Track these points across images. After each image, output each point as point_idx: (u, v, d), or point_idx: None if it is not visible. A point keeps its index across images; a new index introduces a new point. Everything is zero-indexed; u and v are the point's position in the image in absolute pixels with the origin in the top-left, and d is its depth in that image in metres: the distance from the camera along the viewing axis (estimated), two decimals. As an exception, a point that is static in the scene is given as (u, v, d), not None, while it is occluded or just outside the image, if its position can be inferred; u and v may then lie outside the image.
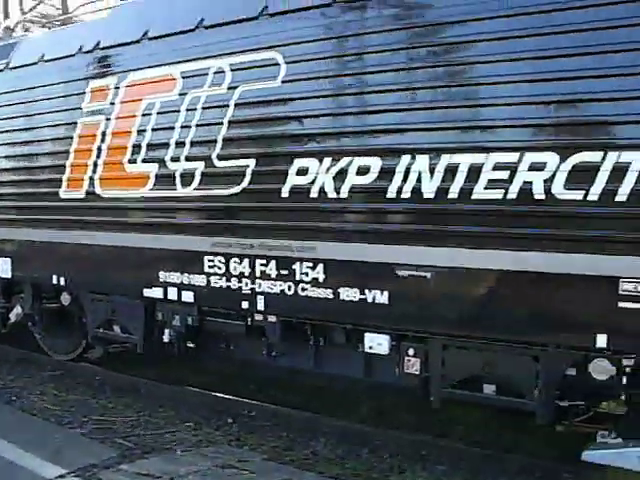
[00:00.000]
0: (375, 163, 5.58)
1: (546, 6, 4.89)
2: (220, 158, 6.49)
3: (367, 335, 5.90)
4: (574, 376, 5.12)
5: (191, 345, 7.35)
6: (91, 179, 7.59)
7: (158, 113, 6.97)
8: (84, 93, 7.68)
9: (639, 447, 4.88)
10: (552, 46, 4.88)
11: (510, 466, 5.65)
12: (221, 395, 7.41)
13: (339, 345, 6.30)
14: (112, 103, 7.40)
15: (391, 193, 5.50)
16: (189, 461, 5.69)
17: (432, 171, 5.30)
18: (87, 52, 7.72)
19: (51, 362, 8.80)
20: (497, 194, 5.04)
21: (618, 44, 4.63)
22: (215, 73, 6.54)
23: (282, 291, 6.15)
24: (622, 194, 4.58)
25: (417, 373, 5.74)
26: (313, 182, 5.90)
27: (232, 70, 6.42)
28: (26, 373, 8.64)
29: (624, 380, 5.01)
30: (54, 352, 8.96)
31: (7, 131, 8.64)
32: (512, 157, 4.98)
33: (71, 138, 7.80)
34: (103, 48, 7.58)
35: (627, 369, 4.96)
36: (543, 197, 4.86)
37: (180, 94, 6.79)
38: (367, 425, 6.48)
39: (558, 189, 4.82)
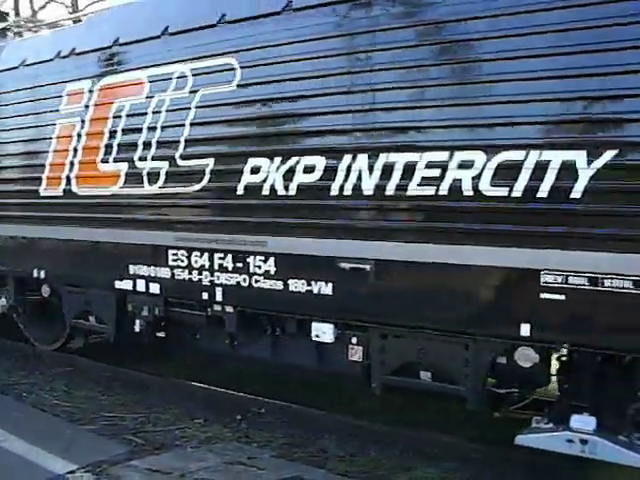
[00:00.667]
0: (320, 162, 5.93)
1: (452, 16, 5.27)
2: (183, 158, 6.85)
3: (314, 324, 6.25)
4: (504, 364, 5.42)
5: (161, 335, 7.70)
6: (67, 178, 7.96)
7: (128, 115, 7.34)
8: (61, 96, 8.06)
9: (567, 431, 5.14)
10: (479, 51, 5.21)
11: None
12: (230, 392, 7.43)
13: (292, 335, 6.60)
14: (86, 106, 7.78)
15: (334, 190, 5.84)
16: (199, 457, 5.74)
17: (371, 169, 5.63)
18: (64, 57, 8.10)
19: (61, 359, 8.85)
20: (430, 190, 5.36)
21: (547, 48, 4.90)
22: (178, 77, 6.91)
23: (238, 283, 6.50)
24: (543, 191, 4.88)
25: (360, 360, 6.08)
26: (265, 180, 6.25)
27: (193, 75, 6.80)
28: (36, 370, 8.67)
29: (553, 367, 5.43)
30: (38, 342, 9.35)
31: None
32: (443, 156, 5.30)
33: (50, 139, 8.16)
34: (79, 53, 7.96)
35: (559, 358, 5.36)
36: (472, 193, 5.19)
37: (147, 97, 7.15)
38: (375, 422, 6.45)
39: (485, 186, 5.14)
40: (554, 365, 5.52)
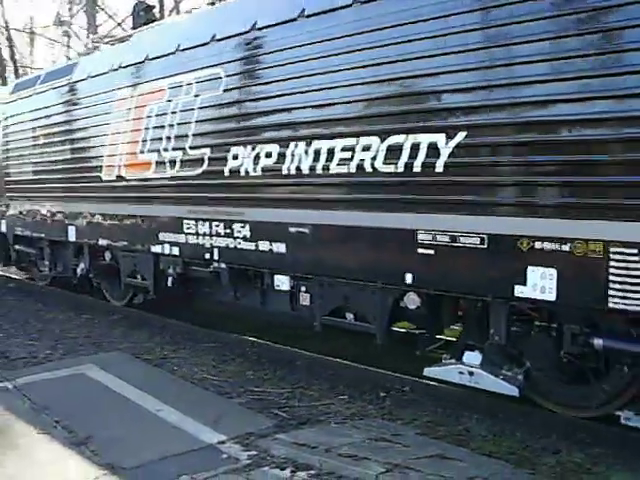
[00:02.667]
0: (275, 149, 7.62)
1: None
2: (191, 148, 8.77)
3: (275, 276, 8.00)
4: (402, 307, 6.83)
5: (189, 290, 9.77)
6: (119, 166, 10.17)
7: (155, 115, 9.39)
8: (112, 101, 10.34)
9: (460, 365, 6.45)
10: (380, 56, 6.56)
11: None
12: (374, 370, 7.39)
13: (269, 286, 8.23)
14: (128, 109, 9.94)
15: (284, 171, 7.50)
16: (343, 433, 5.74)
17: (307, 154, 7.24)
18: (114, 70, 10.34)
19: (210, 335, 9.27)
20: (344, 169, 6.89)
21: (414, 52, 6.25)
22: (187, 85, 8.84)
23: (227, 245, 8.32)
24: (417, 166, 6.25)
25: (308, 304, 7.73)
26: (241, 164, 8.04)
27: (195, 83, 8.71)
28: (187, 344, 9.01)
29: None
30: (112, 299, 11.68)
31: (71, 130, 11.54)
32: (352, 141, 6.80)
33: (106, 135, 10.44)
34: (125, 66, 10.14)
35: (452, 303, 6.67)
36: (371, 170, 6.64)
37: (167, 101, 9.15)
38: (519, 404, 6.25)
39: (379, 164, 6.58)
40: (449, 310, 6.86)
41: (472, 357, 6.45)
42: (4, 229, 14.28)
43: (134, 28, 11.08)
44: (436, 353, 7.13)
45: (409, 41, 6.31)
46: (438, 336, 7.23)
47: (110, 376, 7.40)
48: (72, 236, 11.64)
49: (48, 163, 12.09)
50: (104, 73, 10.61)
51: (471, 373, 6.35)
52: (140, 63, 9.82)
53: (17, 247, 14.02)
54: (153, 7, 12.78)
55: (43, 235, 12.63)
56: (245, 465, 5.12)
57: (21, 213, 13.40)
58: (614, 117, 5.06)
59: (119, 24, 21.64)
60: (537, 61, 5.44)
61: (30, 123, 12.78)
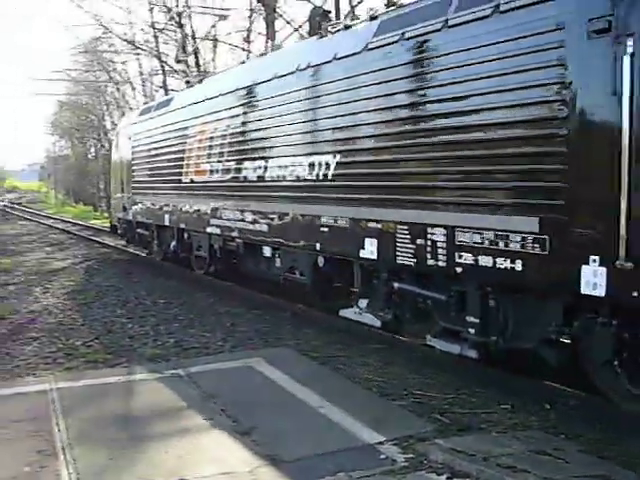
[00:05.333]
0: (258, 164, 11.18)
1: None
2: (222, 162, 12.66)
3: (263, 247, 11.58)
4: (320, 265, 10.02)
5: (234, 261, 13.40)
6: (190, 172, 14.20)
7: (210, 137, 13.28)
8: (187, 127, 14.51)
9: (356, 307, 9.36)
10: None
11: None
12: (541, 381, 7.09)
13: (260, 254, 11.81)
14: (200, 131, 13.81)
15: (267, 178, 10.97)
16: (503, 443, 5.58)
17: (265, 169, 11.00)
18: (193, 104, 14.31)
19: (376, 336, 9.19)
20: (290, 178, 10.25)
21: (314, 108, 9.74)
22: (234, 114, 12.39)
23: (241, 227, 11.94)
24: (321, 175, 9.43)
25: (280, 266, 11.24)
26: (245, 174, 11.68)
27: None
28: (353, 344, 9.03)
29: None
30: (195, 269, 15.28)
31: (167, 147, 15.83)
32: (291, 160, 10.20)
33: (184, 152, 14.60)
34: (193, 104, 14.37)
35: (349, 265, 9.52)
36: (298, 178, 10.02)
37: (222, 128, 12.83)
38: None
39: (304, 174, 9.85)
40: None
41: (362, 303, 9.33)
42: (131, 217, 18.91)
43: (310, 34, 11.36)
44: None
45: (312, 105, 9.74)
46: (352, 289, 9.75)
47: (277, 371, 7.62)
48: (167, 222, 15.81)
49: (155, 169, 16.48)
50: (186, 106, 14.76)
51: (360, 313, 9.33)
52: (212, 99, 13.31)
53: (138, 230, 18.68)
54: (329, 12, 13.06)
55: (152, 221, 17.15)
56: (402, 467, 5.12)
57: (141, 205, 17.86)
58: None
59: (296, 30, 22.25)
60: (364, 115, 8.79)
61: (147, 139, 17.17)
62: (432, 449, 5.43)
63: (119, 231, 20.90)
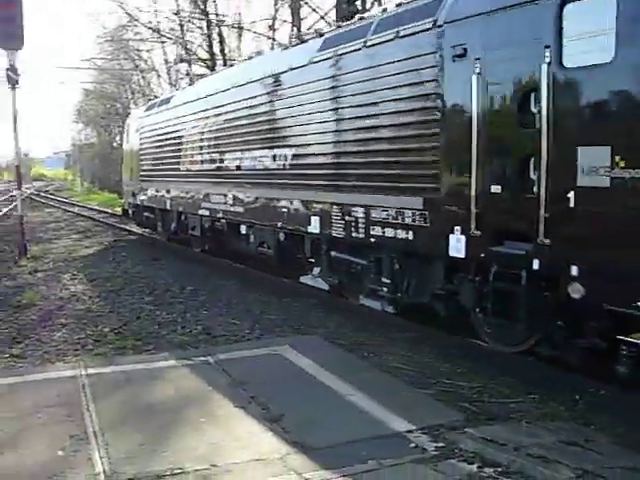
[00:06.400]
0: (234, 156, 13.42)
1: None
2: (209, 153, 14.86)
3: (241, 225, 13.59)
4: (282, 240, 12.18)
5: (221, 239, 15.40)
6: (183, 162, 16.63)
7: (202, 133, 15.51)
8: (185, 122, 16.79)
9: (312, 274, 11.58)
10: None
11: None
12: (569, 372, 7.06)
13: (238, 232, 13.91)
14: (192, 127, 16.19)
15: (243, 168, 13.01)
16: (533, 433, 5.57)
17: (245, 160, 13.02)
18: (192, 101, 16.35)
19: (404, 324, 9.20)
20: (259, 167, 12.32)
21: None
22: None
23: (224, 208, 14.00)
24: (281, 165, 11.51)
25: (253, 242, 13.34)
26: (226, 164, 13.82)
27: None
28: (380, 332, 8.96)
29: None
30: (195, 248, 17.52)
31: (168, 139, 18.02)
32: (261, 152, 12.21)
33: (181, 145, 16.86)
34: (191, 101, 16.36)
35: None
36: (267, 167, 12.00)
37: (206, 126, 15.26)
38: None
39: (270, 164, 11.90)
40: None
41: (316, 270, 11.34)
42: (139, 202, 21.20)
43: (337, 20, 11.41)
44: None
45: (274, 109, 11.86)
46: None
47: (305, 358, 7.63)
48: (168, 205, 18.05)
49: (158, 159, 18.65)
50: (182, 104, 16.94)
51: (316, 279, 11.42)
52: (199, 99, 15.56)
53: (145, 214, 21.09)
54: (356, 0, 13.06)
55: (156, 205, 19.40)
56: (432, 456, 5.11)
57: (147, 192, 20.12)
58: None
59: (322, 17, 22.12)
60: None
61: (151, 133, 19.47)
62: (462, 438, 5.42)
63: (130, 215, 23.52)
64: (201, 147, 15.09)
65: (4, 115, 19.23)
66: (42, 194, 61.02)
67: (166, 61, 36.36)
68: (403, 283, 9.05)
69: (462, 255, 7.62)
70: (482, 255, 7.39)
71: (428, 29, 8.03)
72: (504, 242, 7.16)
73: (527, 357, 7.53)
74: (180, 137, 16.54)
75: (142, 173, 20.31)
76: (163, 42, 33.93)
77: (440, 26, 7.85)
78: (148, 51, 38.65)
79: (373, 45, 9.01)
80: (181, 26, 30.65)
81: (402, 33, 8.41)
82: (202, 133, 14.99)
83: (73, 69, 44.14)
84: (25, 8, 15.39)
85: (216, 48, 28.43)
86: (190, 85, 18.62)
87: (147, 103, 24.25)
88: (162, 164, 18.08)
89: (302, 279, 11.94)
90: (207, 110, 14.72)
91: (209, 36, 28.33)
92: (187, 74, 31.91)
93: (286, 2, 25.23)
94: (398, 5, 9.10)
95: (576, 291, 6.42)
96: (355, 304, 10.39)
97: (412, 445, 5.30)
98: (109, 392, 6.59)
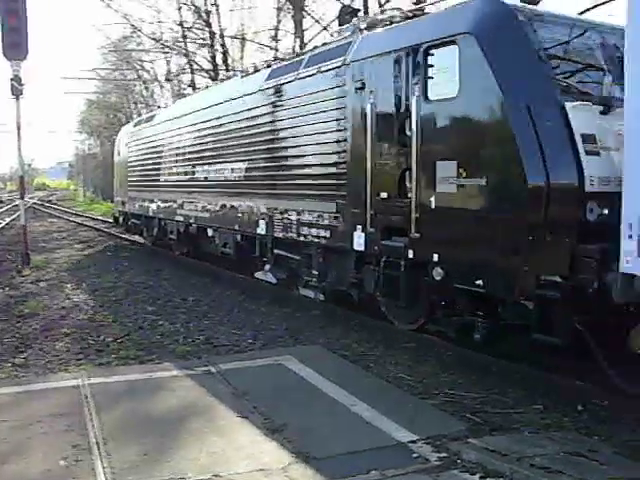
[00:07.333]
0: (202, 168, 15.39)
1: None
2: (183, 167, 16.84)
3: (208, 229, 15.40)
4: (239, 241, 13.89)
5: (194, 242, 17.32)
6: (162, 175, 18.56)
7: (177, 149, 17.76)
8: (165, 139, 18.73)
9: (263, 270, 12.96)
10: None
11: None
12: (572, 381, 7.07)
13: (206, 235, 15.73)
14: (169, 143, 18.33)
15: (208, 179, 14.99)
16: (536, 443, 5.55)
17: (209, 171, 14.99)
18: (169, 120, 18.35)
19: (406, 335, 9.16)
20: (220, 177, 14.21)
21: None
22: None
23: (195, 214, 15.87)
24: (236, 176, 13.38)
25: (218, 243, 14.92)
26: (195, 176, 15.81)
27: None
28: (383, 342, 9.03)
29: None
30: (177, 251, 18.82)
31: (150, 154, 20.05)
32: (222, 166, 14.14)
33: (161, 159, 18.79)
34: (169, 119, 18.40)
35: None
36: (227, 178, 13.79)
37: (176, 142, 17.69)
38: None
39: (229, 176, 13.76)
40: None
41: (267, 267, 12.80)
42: (127, 210, 23.24)
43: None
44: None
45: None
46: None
47: (307, 369, 7.62)
48: (151, 213, 19.94)
49: (143, 172, 20.54)
50: (162, 122, 18.98)
51: (265, 274, 12.84)
52: (175, 118, 17.66)
53: (133, 220, 23.00)
54: (358, 10, 13.16)
55: (142, 213, 21.16)
56: (435, 466, 5.10)
57: (134, 201, 21.98)
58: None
59: (325, 28, 22.18)
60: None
61: (138, 147, 21.38)
62: (465, 448, 5.42)
63: (120, 222, 25.64)
64: (177, 161, 17.11)
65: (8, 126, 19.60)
66: (45, 204, 61.12)
67: (169, 71, 36.43)
68: (327, 274, 10.80)
69: (362, 248, 9.38)
70: (376, 248, 9.11)
71: (340, 66, 9.78)
72: (392, 237, 8.85)
73: (529, 367, 7.53)
74: (161, 152, 18.55)
75: (130, 184, 22.37)
76: (166, 53, 34.00)
77: (348, 64, 9.60)
78: (151, 62, 38.76)
79: (303, 77, 10.86)
80: (184, 37, 30.74)
81: (323, 68, 10.22)
82: (178, 148, 17.00)
83: (77, 79, 44.20)
84: (30, 18, 15.43)
85: (219, 59, 28.48)
86: (176, 102, 21.29)
87: (135, 119, 27.20)
88: (146, 176, 20.00)
89: (256, 275, 13.26)
90: (181, 128, 16.75)
91: (212, 47, 28.36)
92: (190, 85, 32.07)
93: (289, 13, 25.30)
94: (323, 44, 11.33)
95: (438, 274, 8.07)
96: (352, 313, 10.50)
97: (415, 455, 5.30)
98: (112, 402, 6.57)
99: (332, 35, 12.78)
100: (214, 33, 28.37)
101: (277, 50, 25.53)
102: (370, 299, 9.82)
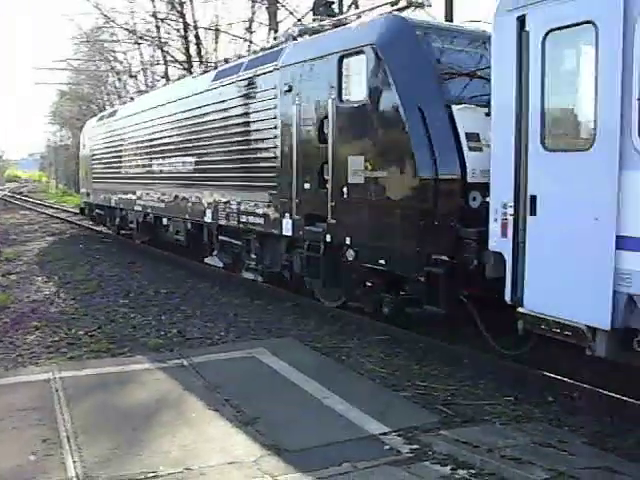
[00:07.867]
0: (159, 161, 16.21)
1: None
2: (142, 160, 17.69)
3: (163, 218, 16.48)
4: (191, 229, 15.06)
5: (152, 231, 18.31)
6: (123, 167, 19.45)
7: (139, 142, 18.42)
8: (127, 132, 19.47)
9: (212, 255, 14.11)
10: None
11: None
12: (543, 373, 7.04)
13: (162, 224, 16.76)
14: (130, 137, 19.11)
15: (166, 171, 15.68)
16: (507, 434, 5.62)
17: (165, 164, 15.78)
18: (129, 115, 19.27)
19: (378, 328, 9.18)
20: (174, 170, 15.18)
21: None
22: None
23: (152, 204, 16.81)
24: (187, 170, 14.43)
25: (172, 231, 16.09)
26: (152, 169, 16.57)
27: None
28: (355, 335, 9.02)
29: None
30: (137, 239, 19.79)
31: (114, 147, 20.79)
32: (176, 160, 15.06)
33: (122, 152, 19.59)
34: (130, 115, 19.11)
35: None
36: (179, 171, 14.88)
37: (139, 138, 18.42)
38: None
39: (181, 169, 14.81)
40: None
41: (215, 252, 13.79)
42: (92, 201, 24.32)
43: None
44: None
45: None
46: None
47: (280, 361, 7.64)
48: (113, 203, 20.83)
49: (106, 164, 21.57)
50: (123, 117, 19.84)
51: (213, 259, 13.87)
52: (135, 114, 18.47)
53: (97, 211, 24.06)
54: (332, 3, 13.11)
55: (105, 204, 22.08)
56: (407, 458, 5.14)
57: (98, 192, 22.96)
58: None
59: (299, 20, 22.07)
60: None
61: (101, 141, 22.50)
62: (436, 440, 5.45)
63: (85, 212, 26.80)
64: (136, 154, 18.13)
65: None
66: (16, 196, 60.38)
67: (142, 63, 36.12)
68: (263, 257, 11.96)
69: (290, 234, 10.51)
70: (301, 233, 10.22)
71: (272, 70, 10.95)
72: (315, 223, 9.87)
73: (501, 360, 7.57)
74: (122, 145, 19.63)
75: (94, 176, 23.60)
76: (139, 44, 33.70)
77: (279, 69, 10.72)
78: (124, 53, 38.39)
79: (242, 80, 11.98)
80: (157, 28, 30.50)
81: (259, 72, 11.38)
82: (137, 142, 18.02)
83: (48, 70, 43.66)
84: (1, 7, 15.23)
85: (193, 50, 28.29)
86: (137, 98, 22.21)
87: (99, 114, 27.91)
88: (108, 168, 21.23)
89: (206, 260, 14.36)
90: (140, 123, 17.70)
91: (186, 38, 28.17)
92: (164, 76, 31.83)
93: (263, 5, 25.18)
94: (262, 49, 12.79)
95: (350, 255, 9.21)
96: (332, 307, 10.43)
97: (386, 447, 5.34)
98: (83, 395, 6.54)
99: (268, 42, 13.88)
100: (188, 24, 28.17)
101: (251, 42, 25.43)
102: (300, 279, 10.97)
